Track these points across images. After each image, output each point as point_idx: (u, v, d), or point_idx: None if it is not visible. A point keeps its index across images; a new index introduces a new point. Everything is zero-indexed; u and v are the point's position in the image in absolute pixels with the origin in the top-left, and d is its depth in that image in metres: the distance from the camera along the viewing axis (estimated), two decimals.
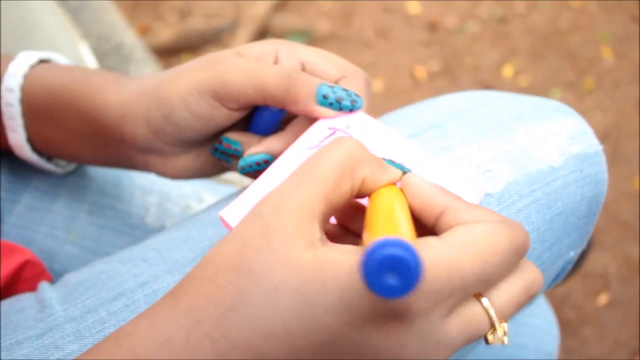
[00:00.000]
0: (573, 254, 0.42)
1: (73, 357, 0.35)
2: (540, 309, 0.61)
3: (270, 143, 0.37)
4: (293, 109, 0.35)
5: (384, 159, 0.32)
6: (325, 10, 1.63)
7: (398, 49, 1.54)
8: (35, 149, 0.43)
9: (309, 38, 1.56)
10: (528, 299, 0.28)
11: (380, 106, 1.40)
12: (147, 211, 0.52)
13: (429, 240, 0.26)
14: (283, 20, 1.60)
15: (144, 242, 0.40)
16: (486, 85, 1.44)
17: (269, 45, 0.38)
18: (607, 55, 1.47)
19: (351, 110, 0.36)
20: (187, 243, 0.38)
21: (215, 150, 0.39)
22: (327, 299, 0.24)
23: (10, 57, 0.42)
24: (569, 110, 0.42)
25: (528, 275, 0.28)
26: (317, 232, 0.26)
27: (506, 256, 0.26)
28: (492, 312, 0.27)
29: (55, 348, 0.35)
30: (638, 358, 1.04)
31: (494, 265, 0.26)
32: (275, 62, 0.38)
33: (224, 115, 0.37)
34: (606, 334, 1.07)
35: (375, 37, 1.57)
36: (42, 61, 0.42)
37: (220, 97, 0.36)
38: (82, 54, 0.66)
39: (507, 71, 1.47)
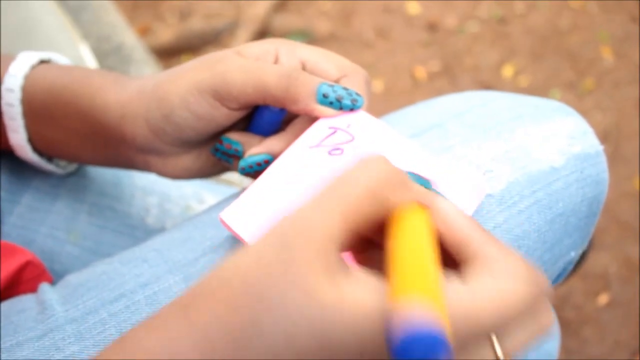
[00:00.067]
0: (574, 255, 0.42)
1: (74, 359, 0.35)
2: None
3: (271, 143, 0.37)
4: (293, 108, 0.35)
5: (408, 172, 0.30)
6: (325, 11, 1.63)
7: (398, 49, 1.54)
8: (35, 149, 0.43)
9: (309, 38, 1.56)
10: (537, 341, 0.28)
11: (380, 106, 1.40)
12: (148, 212, 0.52)
13: (455, 284, 0.25)
14: (283, 20, 1.60)
15: (144, 243, 0.40)
16: (486, 86, 1.44)
17: (269, 45, 0.38)
18: (607, 55, 1.47)
19: (352, 109, 0.36)
20: (187, 243, 0.38)
21: (216, 150, 0.39)
22: (347, 348, 0.24)
23: (11, 58, 0.42)
24: (569, 110, 0.42)
25: (542, 320, 0.27)
26: (339, 263, 0.25)
27: (526, 311, 0.26)
28: (499, 353, 0.26)
29: (56, 349, 0.35)
30: (638, 358, 1.04)
31: (514, 319, 0.26)
32: (276, 61, 0.38)
33: (224, 115, 0.37)
34: (606, 334, 1.07)
35: (375, 38, 1.57)
36: (42, 61, 0.42)
37: (220, 97, 0.36)
38: (82, 54, 0.66)
39: (507, 71, 1.47)
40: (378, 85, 1.46)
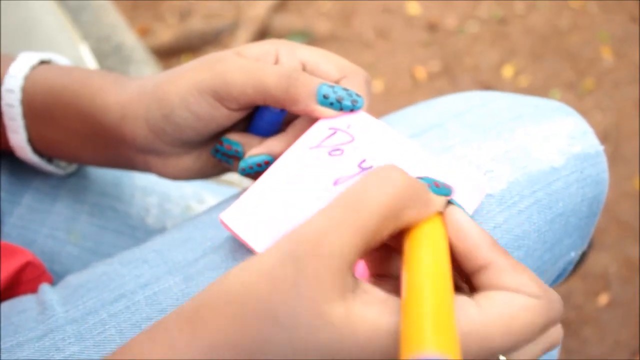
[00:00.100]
0: (574, 255, 0.42)
1: (74, 359, 0.35)
2: None
3: (271, 144, 0.37)
4: (293, 109, 0.35)
5: (422, 176, 0.30)
6: (325, 11, 1.63)
7: (398, 49, 1.54)
8: (36, 150, 0.43)
9: (309, 39, 1.56)
10: (544, 354, 0.28)
11: (380, 107, 1.40)
12: (148, 212, 0.52)
13: (467, 307, 0.25)
14: (283, 20, 1.60)
15: (144, 244, 0.40)
16: (486, 86, 1.44)
17: (269, 46, 0.38)
18: (607, 55, 1.47)
19: (352, 110, 0.36)
20: (188, 244, 0.38)
21: (216, 151, 0.39)
22: None
23: (11, 58, 0.42)
24: (569, 110, 0.42)
25: (551, 338, 0.27)
26: (351, 281, 0.24)
27: (538, 332, 0.26)
28: None
29: (56, 350, 0.35)
30: (638, 358, 1.04)
31: (525, 340, 0.25)
32: (276, 62, 0.38)
33: (224, 116, 0.37)
34: (606, 334, 1.07)
35: (375, 38, 1.57)
36: (42, 62, 0.42)
37: (220, 97, 0.36)
38: (82, 54, 0.66)
39: (507, 71, 1.47)
40: (378, 86, 1.46)
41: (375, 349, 0.23)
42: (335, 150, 0.35)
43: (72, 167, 0.48)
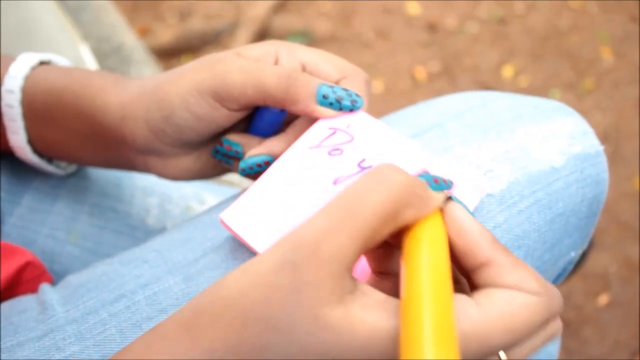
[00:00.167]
0: (574, 255, 0.42)
1: (74, 359, 0.35)
2: None
3: (271, 144, 0.37)
4: (293, 109, 0.36)
5: (421, 173, 0.29)
6: (325, 11, 1.63)
7: (398, 49, 1.54)
8: (36, 150, 0.43)
9: (309, 39, 1.56)
10: (542, 354, 0.28)
11: (380, 107, 1.40)
12: (148, 212, 0.52)
13: (467, 307, 0.25)
14: (283, 21, 1.60)
15: (144, 244, 0.40)
16: (486, 86, 1.44)
17: (269, 46, 0.38)
18: (607, 55, 1.47)
19: (351, 110, 0.36)
20: (188, 244, 0.38)
21: (216, 152, 0.39)
22: None
23: (11, 59, 0.42)
24: (569, 110, 0.42)
25: (551, 331, 0.27)
26: (350, 285, 0.24)
27: (538, 328, 0.26)
28: None
29: (56, 349, 0.35)
30: (638, 358, 1.04)
31: (525, 337, 0.25)
32: (276, 63, 0.38)
33: (224, 116, 0.37)
34: (606, 335, 1.07)
35: (375, 38, 1.57)
36: (42, 63, 0.43)
37: (220, 98, 0.36)
38: (82, 55, 0.66)
39: (507, 72, 1.47)
40: (378, 86, 1.46)
41: (374, 352, 0.23)
42: (334, 150, 0.35)
43: (72, 168, 0.48)
